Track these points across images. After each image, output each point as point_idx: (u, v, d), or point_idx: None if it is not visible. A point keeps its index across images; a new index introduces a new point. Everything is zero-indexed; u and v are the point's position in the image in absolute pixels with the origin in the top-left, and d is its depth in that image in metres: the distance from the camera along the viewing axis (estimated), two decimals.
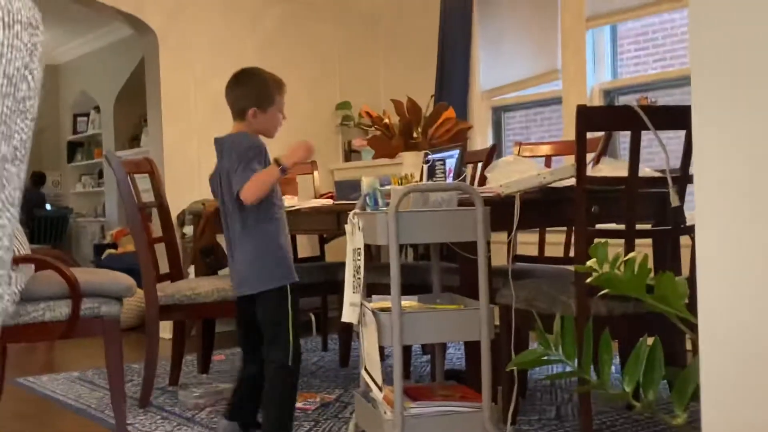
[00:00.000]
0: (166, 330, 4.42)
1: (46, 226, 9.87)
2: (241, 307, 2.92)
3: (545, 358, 1.68)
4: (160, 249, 3.91)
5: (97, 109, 9.99)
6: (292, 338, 2.76)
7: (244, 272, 2.80)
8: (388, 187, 2.57)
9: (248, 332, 2.91)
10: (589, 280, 1.73)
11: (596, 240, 2.11)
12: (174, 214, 4.86)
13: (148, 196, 3.92)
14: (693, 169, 1.15)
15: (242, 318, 2.93)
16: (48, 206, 10.39)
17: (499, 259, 3.52)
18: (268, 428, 2.78)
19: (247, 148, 2.74)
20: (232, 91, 2.90)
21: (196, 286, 3.60)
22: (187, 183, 5.26)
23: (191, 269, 4.91)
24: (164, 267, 3.86)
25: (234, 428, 2.90)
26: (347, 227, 2.59)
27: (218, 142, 2.88)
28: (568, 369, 1.72)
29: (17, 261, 2.99)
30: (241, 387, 2.94)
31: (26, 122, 0.63)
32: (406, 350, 3.81)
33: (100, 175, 10.22)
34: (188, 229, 5.13)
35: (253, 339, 2.89)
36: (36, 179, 10.16)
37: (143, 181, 3.93)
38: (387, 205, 2.44)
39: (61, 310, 3.07)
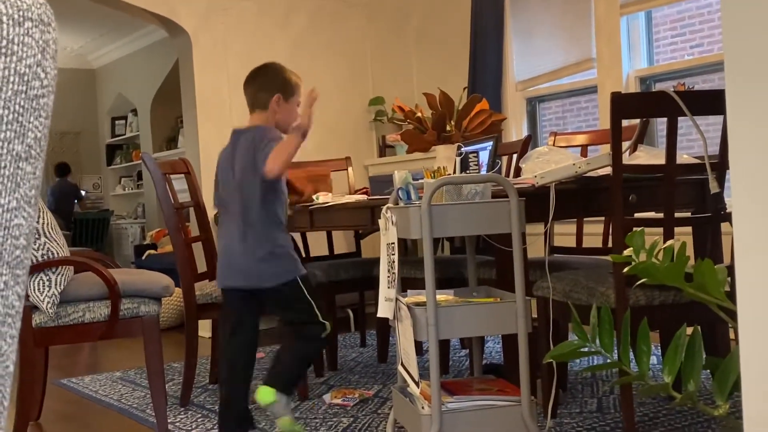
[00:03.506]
0: (206, 329, 4.45)
1: (87, 228, 10.01)
2: (230, 299, 2.95)
3: (583, 350, 1.65)
4: (198, 248, 3.93)
5: (135, 111, 10.11)
6: (321, 318, 2.86)
7: (252, 266, 2.84)
8: (421, 181, 2.55)
9: (236, 323, 2.94)
10: (626, 270, 1.69)
11: (634, 229, 2.07)
12: (211, 213, 4.89)
13: (185, 197, 3.94)
14: (729, 155, 1.11)
15: (232, 309, 2.96)
16: (83, 192, 10.51)
17: (537, 250, 3.49)
18: (276, 374, 2.84)
19: (270, 138, 2.79)
20: (253, 81, 2.93)
21: None
22: None
23: None
24: (202, 266, 3.88)
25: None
26: (381, 222, 2.58)
27: (236, 133, 2.91)
28: (607, 361, 1.69)
29: (56, 264, 3.02)
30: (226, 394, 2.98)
31: (40, 120, 0.63)
32: (444, 345, 3.79)
33: (139, 177, 10.34)
34: None
35: (242, 327, 2.94)
36: (60, 171, 10.18)
37: (181, 182, 3.96)
38: (420, 198, 2.42)
39: (101, 311, 3.10)
